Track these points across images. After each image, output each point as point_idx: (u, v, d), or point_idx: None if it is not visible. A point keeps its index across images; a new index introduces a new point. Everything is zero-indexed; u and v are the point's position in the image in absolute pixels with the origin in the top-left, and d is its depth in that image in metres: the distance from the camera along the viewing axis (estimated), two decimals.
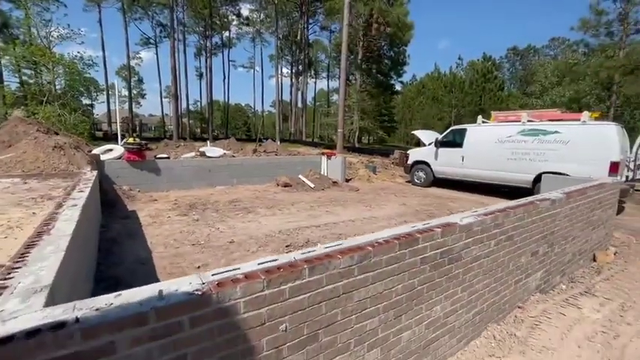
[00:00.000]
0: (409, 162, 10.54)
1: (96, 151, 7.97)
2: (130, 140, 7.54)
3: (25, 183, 4.31)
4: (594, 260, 4.33)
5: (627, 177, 7.36)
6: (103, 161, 7.16)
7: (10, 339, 0.90)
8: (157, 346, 1.11)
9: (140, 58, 43.05)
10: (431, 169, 9.85)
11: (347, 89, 24.67)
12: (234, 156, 10.21)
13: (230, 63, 41.59)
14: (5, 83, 24.19)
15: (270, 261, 1.46)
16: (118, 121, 10.77)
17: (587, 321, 2.75)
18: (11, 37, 27.39)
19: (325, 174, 10.09)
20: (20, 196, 3.50)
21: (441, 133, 10.22)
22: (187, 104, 40.82)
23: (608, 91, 16.88)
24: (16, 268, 1.41)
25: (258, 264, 1.43)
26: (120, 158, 7.70)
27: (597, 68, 15.39)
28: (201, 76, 42.69)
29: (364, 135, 38.32)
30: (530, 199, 3.18)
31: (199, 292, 1.18)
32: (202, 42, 38.43)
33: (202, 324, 1.19)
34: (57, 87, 25.06)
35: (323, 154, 10.72)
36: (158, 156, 8.18)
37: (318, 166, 10.38)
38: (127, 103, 39.14)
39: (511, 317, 2.82)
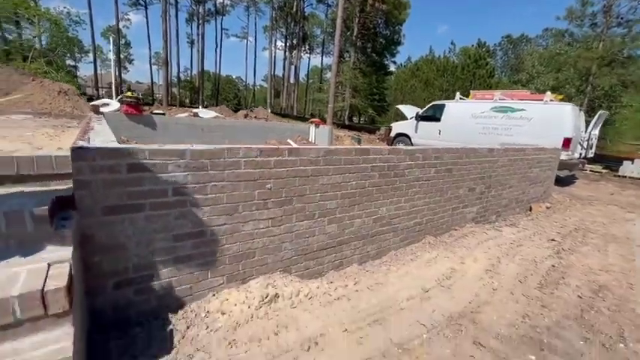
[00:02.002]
0: (391, 134, 11.25)
1: (93, 103, 8.31)
2: (128, 94, 7.91)
3: (40, 118, 4.80)
4: (530, 210, 5.20)
5: (580, 154, 8.28)
6: (102, 112, 7.55)
7: (109, 149, 1.55)
8: (190, 174, 1.78)
9: (129, 19, 41.37)
10: (411, 141, 10.59)
11: (340, 66, 24.88)
12: (225, 119, 10.66)
13: (223, 31, 40.53)
14: None
15: (261, 147, 2.14)
16: (113, 79, 10.98)
17: (502, 238, 3.58)
18: None
19: (313, 141, 10.71)
20: (43, 123, 4.03)
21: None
22: (178, 72, 39.99)
23: (585, 82, 17.73)
24: (83, 139, 2.04)
25: (254, 146, 2.10)
26: (117, 112, 8.09)
27: (576, 58, 16.19)
28: (192, 43, 41.59)
29: (355, 114, 38.70)
30: (472, 145, 3.93)
31: (215, 148, 1.85)
32: (194, 7, 37.23)
33: (218, 168, 1.87)
34: (42, 43, 24.24)
35: (312, 122, 11.29)
36: (154, 111, 8.60)
37: (306, 133, 10.96)
38: (112, 67, 38.00)
39: (446, 235, 3.62)
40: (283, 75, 41.52)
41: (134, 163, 1.60)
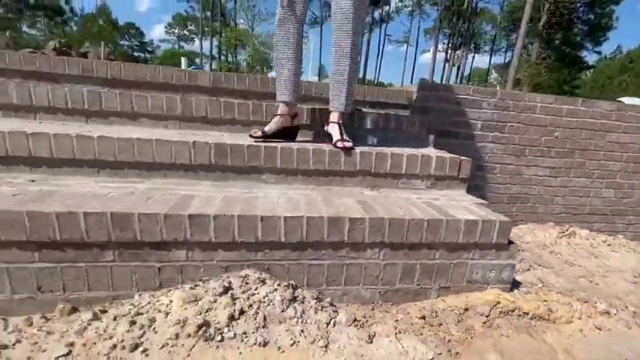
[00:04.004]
0: None
1: None
2: None
3: None
4: None
5: None
6: None
7: (447, 84, 1.98)
8: (496, 112, 2.04)
9: (307, 36, 48.82)
10: None
11: (519, 62, 21.65)
12: None
13: (386, 37, 42.22)
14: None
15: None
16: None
17: None
18: (224, 23, 35.85)
19: None
20: None
21: None
22: None
23: None
24: None
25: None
26: None
27: None
28: None
29: None
30: None
31: (518, 91, 2.05)
32: None
33: (517, 109, 2.06)
34: (247, 63, 31.68)
35: None
36: None
37: None
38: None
39: None
40: (442, 77, 39.60)
41: (461, 98, 1.99)
